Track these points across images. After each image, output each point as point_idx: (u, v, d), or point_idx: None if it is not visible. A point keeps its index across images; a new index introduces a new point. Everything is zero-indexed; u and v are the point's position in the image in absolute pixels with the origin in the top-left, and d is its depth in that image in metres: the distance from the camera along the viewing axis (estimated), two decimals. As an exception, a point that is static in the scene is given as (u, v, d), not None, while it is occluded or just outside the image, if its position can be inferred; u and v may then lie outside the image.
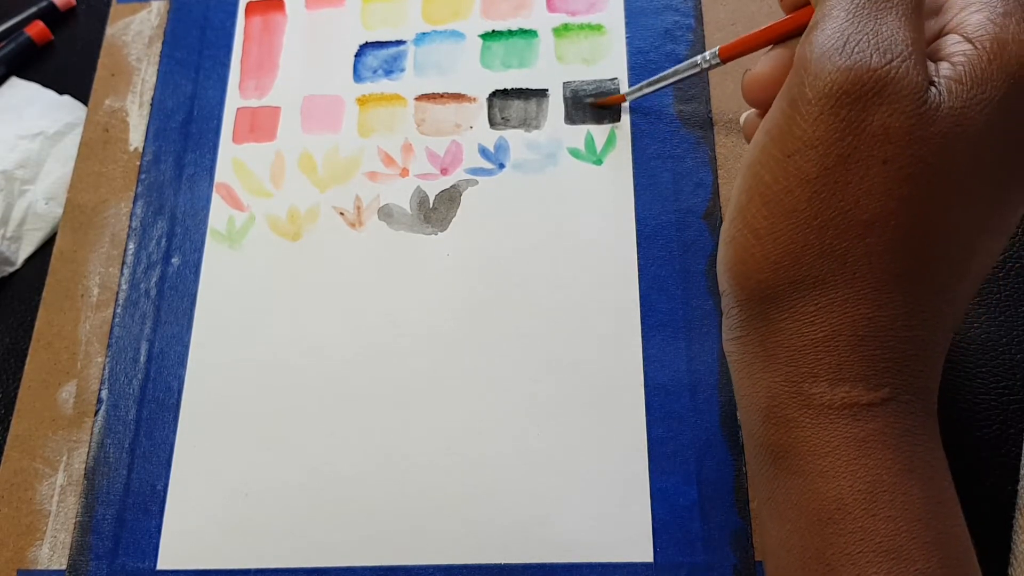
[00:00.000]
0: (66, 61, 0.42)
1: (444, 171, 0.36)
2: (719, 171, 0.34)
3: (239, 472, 0.32)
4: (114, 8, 0.41)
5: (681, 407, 0.31)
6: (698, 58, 0.30)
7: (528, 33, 0.38)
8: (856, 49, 0.21)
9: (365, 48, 0.39)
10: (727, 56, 0.29)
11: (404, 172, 0.36)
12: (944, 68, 0.21)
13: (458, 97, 0.37)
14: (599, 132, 0.36)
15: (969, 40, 0.21)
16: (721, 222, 0.33)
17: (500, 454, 0.31)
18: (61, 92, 0.41)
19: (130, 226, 0.37)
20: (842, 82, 0.21)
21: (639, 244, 0.34)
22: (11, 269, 0.38)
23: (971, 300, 0.32)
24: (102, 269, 0.36)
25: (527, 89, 0.37)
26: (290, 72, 0.39)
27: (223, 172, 0.37)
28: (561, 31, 0.38)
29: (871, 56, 0.21)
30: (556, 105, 0.36)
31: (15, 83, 0.41)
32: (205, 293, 0.35)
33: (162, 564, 0.31)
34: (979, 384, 0.31)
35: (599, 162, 0.35)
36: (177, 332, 0.35)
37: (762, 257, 0.23)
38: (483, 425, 0.32)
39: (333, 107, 0.38)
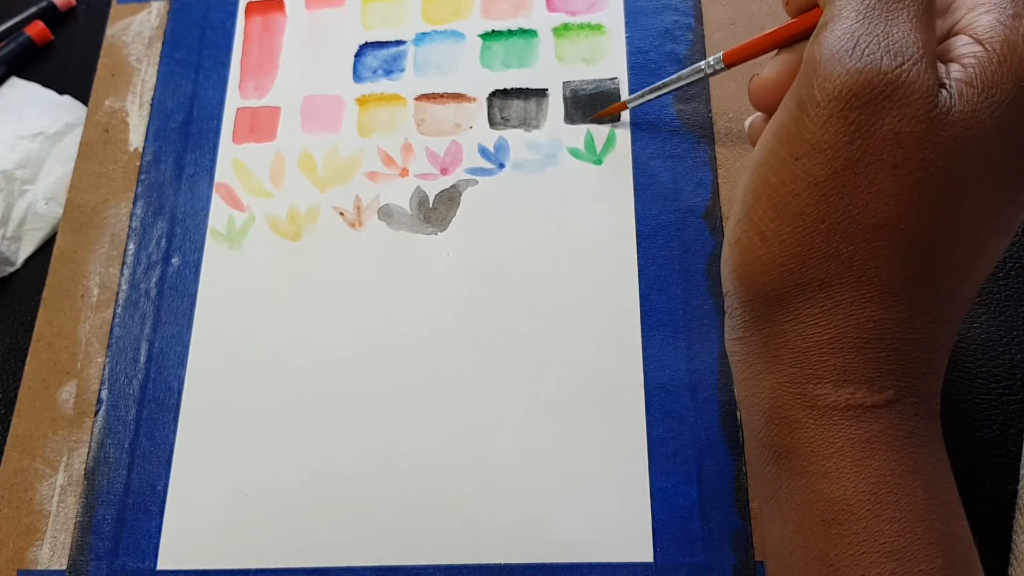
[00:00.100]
0: (66, 61, 0.42)
1: (444, 171, 0.36)
2: (719, 171, 0.34)
3: (239, 472, 0.32)
4: (114, 8, 0.41)
5: (681, 407, 0.31)
6: (702, 63, 0.30)
7: (528, 33, 0.38)
8: (867, 51, 0.21)
9: (365, 48, 0.39)
10: (732, 61, 0.29)
11: (404, 172, 0.36)
12: (955, 70, 0.21)
13: (458, 97, 0.37)
14: (599, 132, 0.36)
15: (979, 42, 0.21)
16: (721, 222, 0.33)
17: (500, 454, 0.31)
18: (61, 92, 0.41)
19: (130, 226, 0.37)
20: (852, 85, 0.21)
21: (639, 244, 0.34)
22: (11, 269, 0.38)
23: (974, 300, 0.32)
24: (102, 269, 0.36)
25: (527, 89, 0.37)
26: (290, 72, 0.39)
27: (223, 172, 0.37)
28: (561, 31, 0.38)
29: (882, 58, 0.20)
30: (556, 105, 0.36)
31: (15, 83, 0.41)
32: (205, 293, 0.35)
33: (162, 564, 0.31)
34: (979, 384, 0.31)
35: (599, 162, 0.35)
36: (177, 332, 0.35)
37: (768, 259, 0.23)
38: (483, 425, 0.32)
39: (333, 107, 0.38)
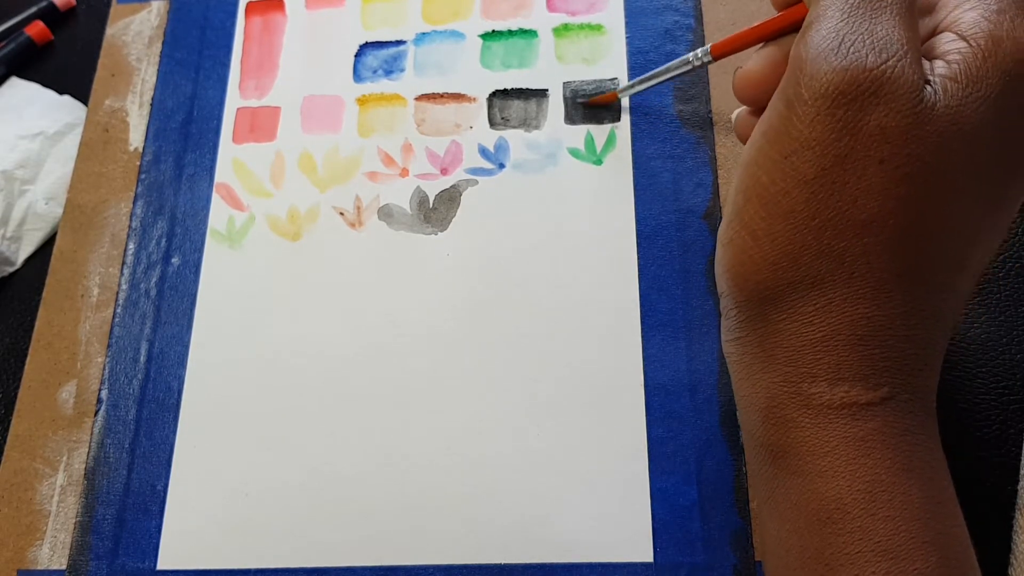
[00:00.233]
0: (66, 61, 0.42)
1: (444, 171, 0.36)
2: (719, 171, 0.34)
3: (239, 472, 0.32)
4: (114, 8, 0.41)
5: (681, 407, 0.31)
6: (689, 55, 0.30)
7: (528, 33, 0.38)
8: (852, 49, 0.21)
9: (365, 48, 0.39)
10: (719, 54, 0.29)
11: (404, 172, 0.36)
12: (939, 66, 0.21)
13: (458, 97, 0.37)
14: (599, 132, 0.36)
15: (963, 38, 0.21)
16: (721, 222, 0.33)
17: (500, 454, 0.31)
18: (61, 92, 0.41)
19: (130, 226, 0.37)
20: (838, 82, 0.21)
21: (639, 244, 0.34)
22: (11, 269, 0.38)
23: (970, 298, 0.32)
24: (102, 269, 0.36)
25: (527, 89, 0.37)
26: (290, 72, 0.39)
27: (223, 172, 0.37)
28: (561, 31, 0.38)
29: (867, 56, 0.21)
30: (556, 105, 0.36)
31: (15, 83, 0.41)
32: (205, 293, 0.35)
33: (162, 564, 0.31)
34: (979, 384, 0.31)
35: (599, 162, 0.35)
36: (177, 332, 0.35)
37: (760, 258, 0.23)
38: (483, 425, 0.32)
39: (333, 107, 0.38)
